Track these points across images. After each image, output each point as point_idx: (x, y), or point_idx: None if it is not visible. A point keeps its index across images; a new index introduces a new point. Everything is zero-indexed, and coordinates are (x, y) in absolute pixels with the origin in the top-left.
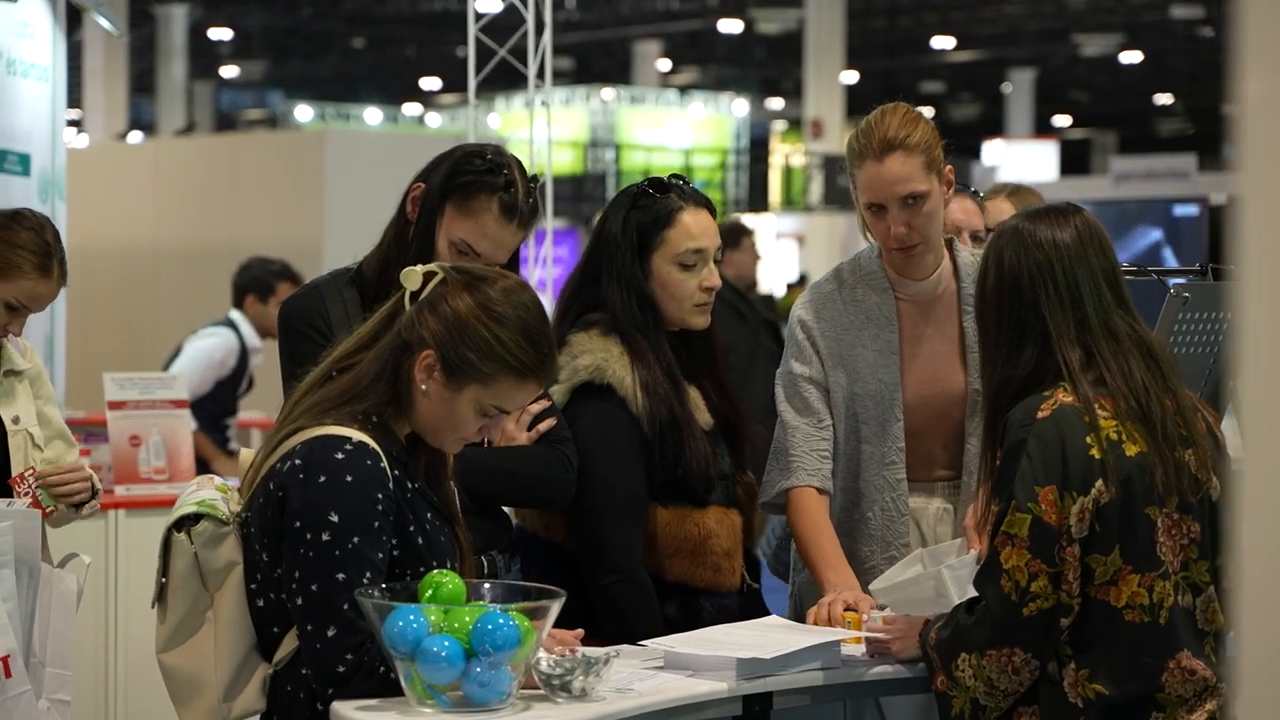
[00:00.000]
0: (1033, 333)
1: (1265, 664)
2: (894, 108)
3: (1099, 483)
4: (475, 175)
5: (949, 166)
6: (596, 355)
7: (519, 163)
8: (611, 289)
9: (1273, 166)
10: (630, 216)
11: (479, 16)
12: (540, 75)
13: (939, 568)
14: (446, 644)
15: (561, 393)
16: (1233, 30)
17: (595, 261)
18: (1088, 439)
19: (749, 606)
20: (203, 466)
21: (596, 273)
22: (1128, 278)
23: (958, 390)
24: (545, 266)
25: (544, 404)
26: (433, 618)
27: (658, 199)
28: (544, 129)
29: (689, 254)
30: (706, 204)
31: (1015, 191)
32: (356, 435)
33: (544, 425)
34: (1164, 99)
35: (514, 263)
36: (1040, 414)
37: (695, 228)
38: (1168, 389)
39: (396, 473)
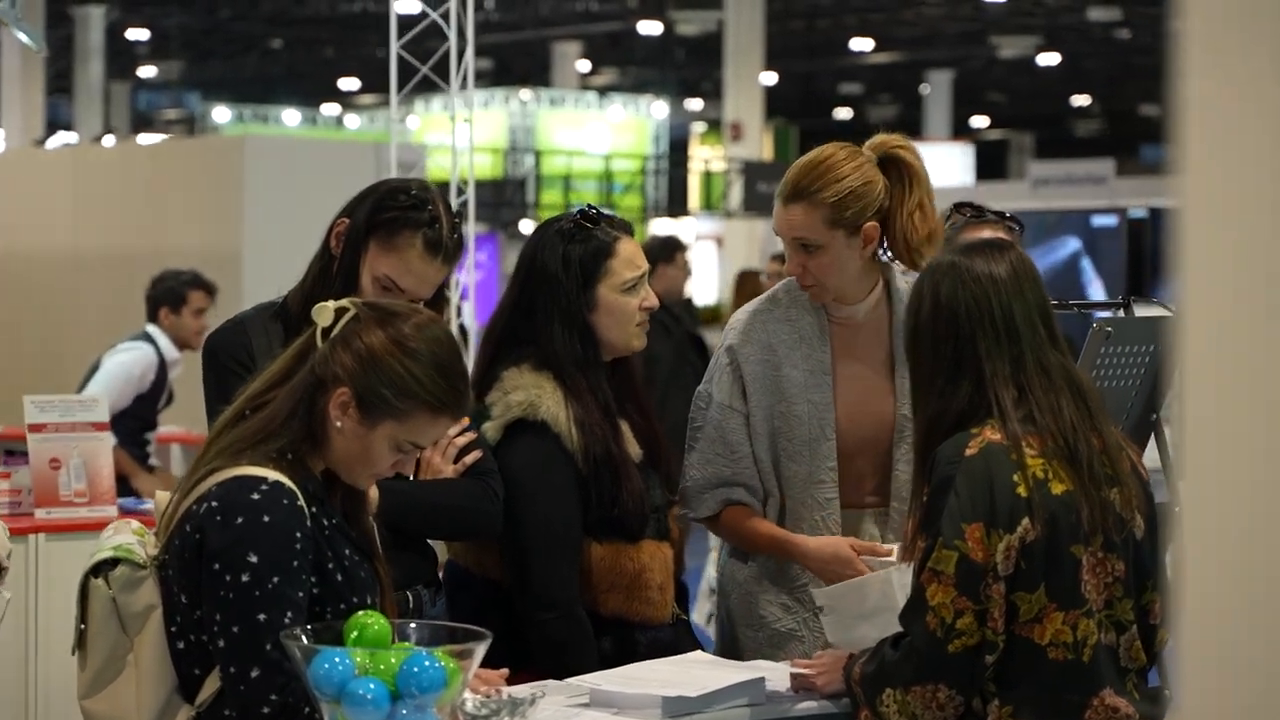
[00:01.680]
0: (968, 368)
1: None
2: (829, 154)
3: (1025, 521)
4: (399, 211)
5: (872, 224)
6: (529, 391)
7: (443, 198)
8: (551, 326)
9: (1212, 169)
10: (570, 251)
11: (402, 30)
12: (463, 86)
13: (888, 571)
14: (373, 686)
15: (495, 429)
16: (1176, 29)
17: (527, 296)
18: (1015, 477)
19: (681, 638)
20: (122, 482)
21: (528, 307)
22: None
23: (887, 415)
24: (466, 272)
25: (469, 437)
26: (358, 659)
27: (593, 231)
28: (466, 138)
29: (631, 280)
30: (630, 230)
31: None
32: (272, 475)
33: (470, 458)
34: (1081, 100)
35: (438, 298)
36: (969, 451)
37: (633, 254)
38: (1094, 427)
39: (313, 510)
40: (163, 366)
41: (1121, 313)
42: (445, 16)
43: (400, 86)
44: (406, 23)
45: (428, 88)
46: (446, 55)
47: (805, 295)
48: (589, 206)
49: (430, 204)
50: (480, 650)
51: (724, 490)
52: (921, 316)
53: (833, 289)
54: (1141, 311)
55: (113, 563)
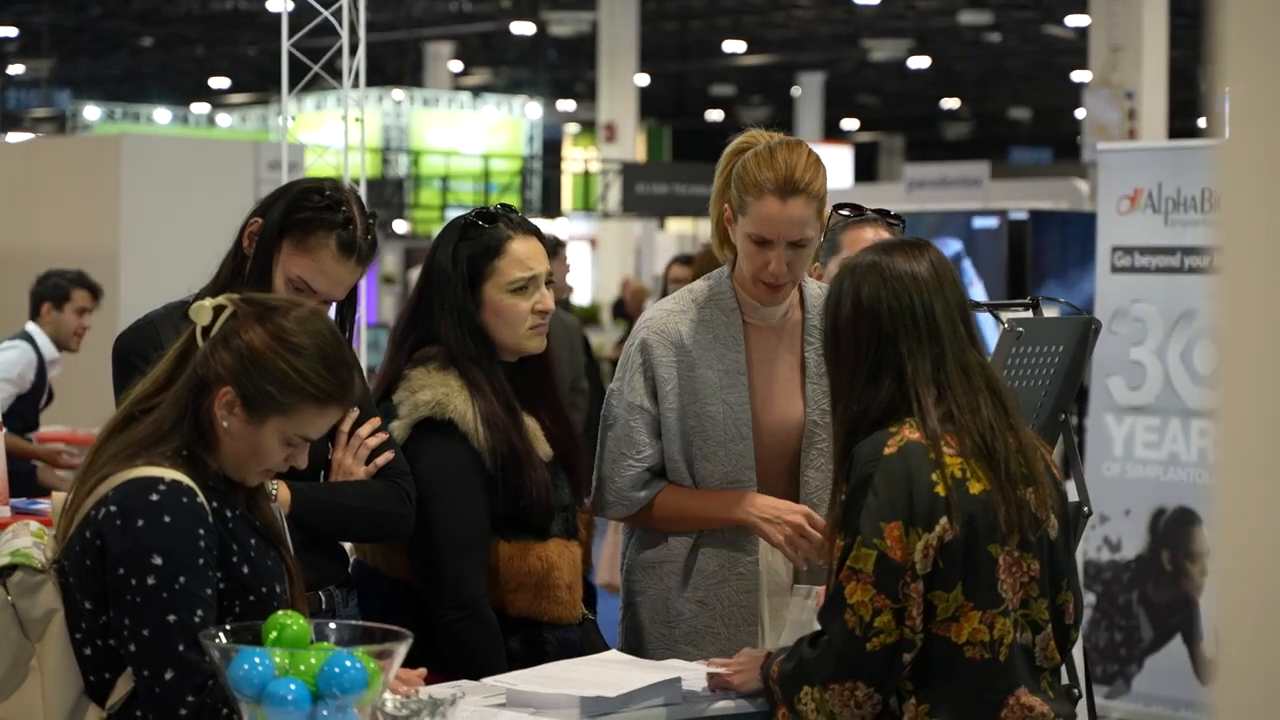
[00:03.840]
0: (890, 367)
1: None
2: (798, 143)
3: (943, 520)
4: (313, 212)
5: (825, 211)
6: (436, 390)
7: (358, 199)
8: (445, 322)
9: (1256, 162)
10: (460, 248)
11: (292, 29)
12: (355, 85)
13: None
14: (294, 687)
15: (402, 429)
16: (1212, 30)
17: (427, 295)
18: (933, 476)
19: (589, 638)
20: None
21: (429, 306)
22: None
23: (797, 419)
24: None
25: (381, 437)
26: (278, 660)
27: (486, 229)
28: (352, 136)
29: (520, 280)
30: (535, 231)
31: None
32: (169, 474)
33: (381, 459)
34: (951, 104)
35: (352, 299)
36: (887, 450)
37: (525, 255)
38: (1010, 427)
39: (214, 504)
40: (42, 366)
41: (1030, 313)
42: (337, 15)
43: (293, 92)
44: (295, 21)
45: (302, 86)
46: (328, 50)
47: (721, 296)
48: (500, 205)
49: (344, 205)
50: (401, 650)
51: (644, 491)
52: (842, 316)
53: (798, 282)
54: (1049, 312)
55: (10, 569)
